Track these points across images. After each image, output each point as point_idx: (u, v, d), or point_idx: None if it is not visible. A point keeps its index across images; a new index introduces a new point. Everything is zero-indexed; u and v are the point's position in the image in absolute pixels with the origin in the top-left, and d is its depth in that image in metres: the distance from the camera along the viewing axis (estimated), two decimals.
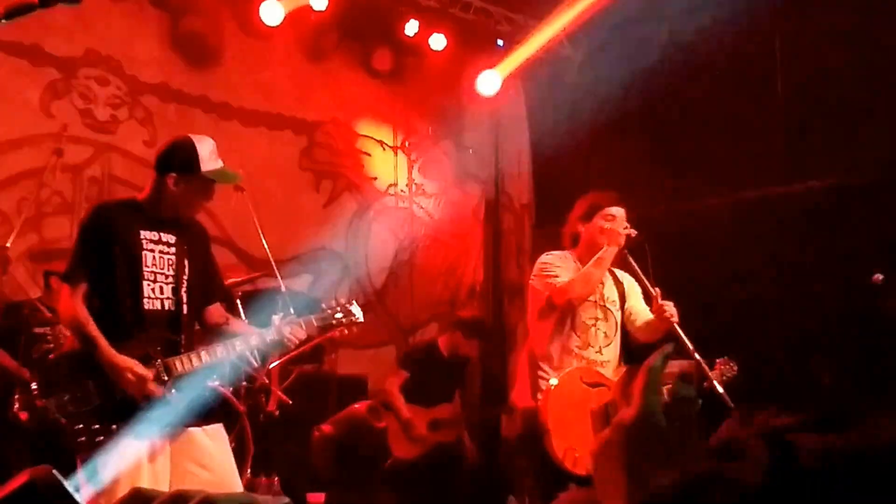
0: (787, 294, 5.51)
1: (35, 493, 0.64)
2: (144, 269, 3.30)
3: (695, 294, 5.25)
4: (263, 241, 5.15)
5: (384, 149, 7.83)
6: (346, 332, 3.51)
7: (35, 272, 5.59)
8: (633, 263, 3.95)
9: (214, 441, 3.34)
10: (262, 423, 5.17)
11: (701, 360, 4.00)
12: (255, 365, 4.93)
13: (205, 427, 3.32)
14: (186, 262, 3.40)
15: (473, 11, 7.44)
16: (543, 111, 7.69)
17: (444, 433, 5.73)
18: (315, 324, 3.43)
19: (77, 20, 6.06)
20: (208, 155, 3.37)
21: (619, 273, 4.19)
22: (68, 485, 0.65)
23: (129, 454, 3.12)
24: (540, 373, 3.94)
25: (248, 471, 4.90)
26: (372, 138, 7.76)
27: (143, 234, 3.33)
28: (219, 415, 3.54)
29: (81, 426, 3.10)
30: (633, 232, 3.98)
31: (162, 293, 3.33)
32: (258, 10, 6.62)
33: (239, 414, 4.94)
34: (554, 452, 3.69)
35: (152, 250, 3.33)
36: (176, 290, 3.35)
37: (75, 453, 3.11)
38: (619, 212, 4.05)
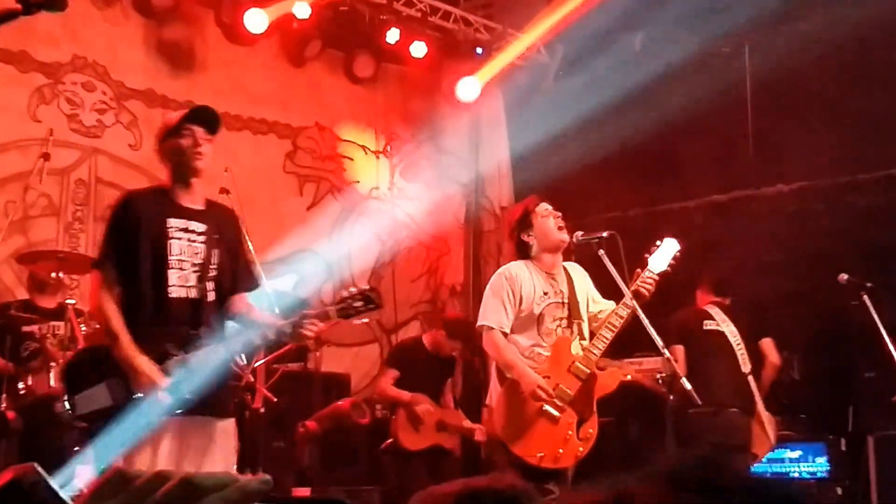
0: (756, 293, 5.69)
1: (19, 491, 0.63)
2: (170, 257, 3.29)
3: (667, 293, 5.42)
4: (249, 243, 5.26)
5: (366, 153, 7.96)
6: (365, 318, 3.49)
7: (21, 274, 5.65)
8: (607, 263, 3.96)
9: (223, 439, 3.36)
10: (248, 420, 5.26)
11: (671, 358, 4.13)
12: (241, 364, 5.02)
13: (219, 423, 3.35)
14: (216, 252, 3.39)
15: (453, 20, 7.60)
16: (522, 116, 7.84)
17: (446, 438, 5.78)
18: (331, 315, 3.35)
19: (64, 27, 6.15)
20: (173, 116, 3.49)
21: (570, 267, 4.20)
22: (53, 483, 0.64)
23: (142, 448, 3.14)
24: (509, 375, 3.98)
25: (234, 467, 4.99)
26: (354, 143, 7.88)
27: (171, 222, 3.32)
28: (232, 409, 3.54)
29: (102, 422, 3.11)
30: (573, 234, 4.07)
31: (187, 281, 3.32)
32: (242, 17, 6.73)
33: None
34: (520, 458, 3.77)
35: (180, 238, 3.33)
36: (201, 279, 3.34)
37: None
38: (548, 205, 4.10)
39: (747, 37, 6.66)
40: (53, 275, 5.02)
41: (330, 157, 7.69)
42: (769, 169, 6.60)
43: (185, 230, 3.35)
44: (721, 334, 5.31)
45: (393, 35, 7.36)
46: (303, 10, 6.83)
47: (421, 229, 8.10)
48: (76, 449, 4.47)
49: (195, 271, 3.33)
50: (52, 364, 4.78)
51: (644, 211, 6.73)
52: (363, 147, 7.92)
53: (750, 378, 5.23)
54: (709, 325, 5.37)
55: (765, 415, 5.20)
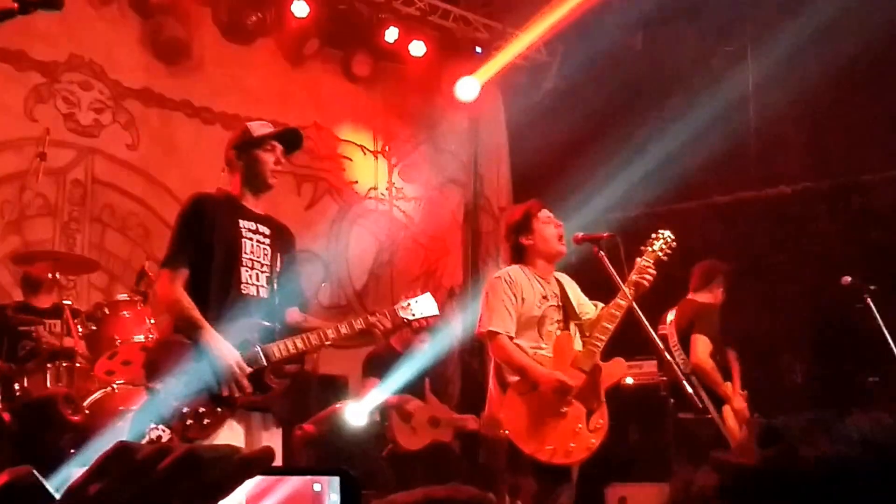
0: (758, 295, 5.66)
1: (14, 494, 0.63)
2: (243, 255, 3.35)
3: (667, 294, 5.40)
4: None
5: (364, 153, 7.92)
6: (424, 323, 3.57)
7: (17, 274, 5.61)
8: (607, 264, 3.94)
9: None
10: None
11: (672, 360, 4.10)
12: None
13: (276, 428, 3.39)
14: (279, 256, 3.47)
15: (452, 19, 7.56)
16: (521, 116, 7.81)
17: (441, 432, 5.83)
18: (399, 314, 3.47)
19: (61, 26, 6.11)
20: (257, 126, 3.55)
21: (559, 276, 4.17)
22: (49, 485, 0.64)
23: (230, 439, 3.16)
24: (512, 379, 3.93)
25: None
26: (352, 143, 7.85)
27: (242, 223, 3.40)
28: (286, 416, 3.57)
29: (188, 410, 3.14)
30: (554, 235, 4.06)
31: (258, 280, 3.38)
32: (240, 16, 6.69)
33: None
34: (531, 457, 3.76)
35: (251, 238, 3.40)
36: (270, 280, 3.41)
37: (181, 435, 3.17)
38: (550, 213, 4.11)
39: (750, 35, 6.63)
40: (50, 275, 4.99)
41: (328, 156, 7.66)
42: (771, 170, 6.57)
43: (255, 231, 3.43)
44: (663, 338, 5.30)
45: (392, 34, 7.33)
46: (301, 9, 6.79)
47: (419, 230, 8.07)
48: (72, 451, 4.45)
49: (263, 272, 3.41)
50: (49, 365, 4.75)
51: (644, 212, 6.69)
52: (361, 147, 7.89)
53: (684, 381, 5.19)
54: (661, 330, 5.36)
55: (719, 416, 5.10)
